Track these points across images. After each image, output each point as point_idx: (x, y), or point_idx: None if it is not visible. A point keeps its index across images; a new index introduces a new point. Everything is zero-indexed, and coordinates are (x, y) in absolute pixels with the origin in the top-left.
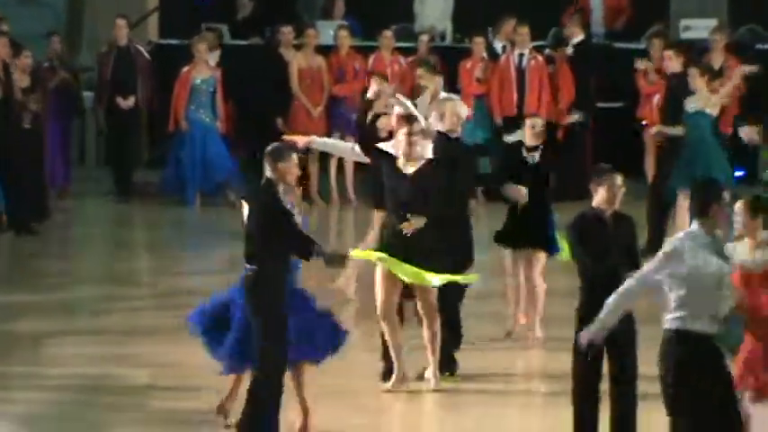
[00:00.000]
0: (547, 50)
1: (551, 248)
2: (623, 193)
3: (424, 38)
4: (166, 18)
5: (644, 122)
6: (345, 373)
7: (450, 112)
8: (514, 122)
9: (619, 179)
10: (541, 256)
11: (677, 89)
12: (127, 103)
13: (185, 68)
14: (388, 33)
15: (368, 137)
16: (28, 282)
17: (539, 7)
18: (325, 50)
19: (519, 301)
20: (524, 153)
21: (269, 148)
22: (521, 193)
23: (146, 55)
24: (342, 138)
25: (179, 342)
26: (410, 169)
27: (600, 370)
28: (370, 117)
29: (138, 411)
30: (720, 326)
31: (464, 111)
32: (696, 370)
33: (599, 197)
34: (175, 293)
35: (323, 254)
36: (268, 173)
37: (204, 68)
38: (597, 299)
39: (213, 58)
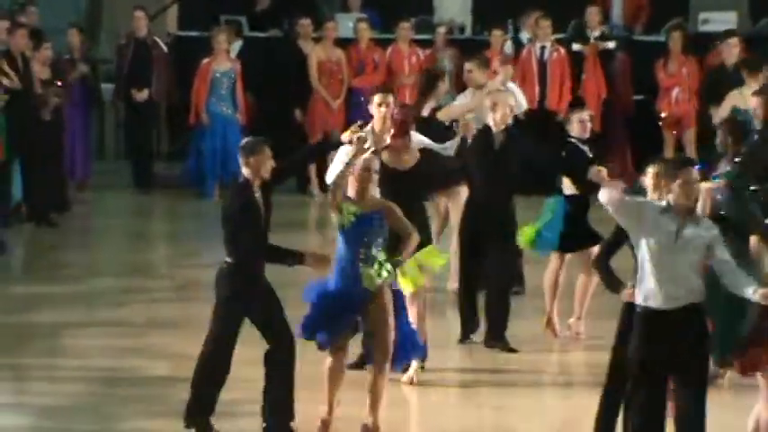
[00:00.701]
0: (576, 45)
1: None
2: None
3: (442, 30)
4: (185, 10)
5: (663, 114)
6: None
7: (501, 104)
8: (536, 115)
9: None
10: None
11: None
12: (141, 95)
13: (205, 60)
14: (405, 25)
15: None
16: (47, 273)
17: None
18: (344, 43)
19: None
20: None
21: (242, 142)
22: (606, 176)
23: (163, 47)
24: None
25: (197, 333)
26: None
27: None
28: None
29: (157, 403)
30: None
31: (518, 101)
32: None
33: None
34: (194, 285)
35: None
36: (243, 168)
37: (224, 60)
38: None
39: (234, 49)
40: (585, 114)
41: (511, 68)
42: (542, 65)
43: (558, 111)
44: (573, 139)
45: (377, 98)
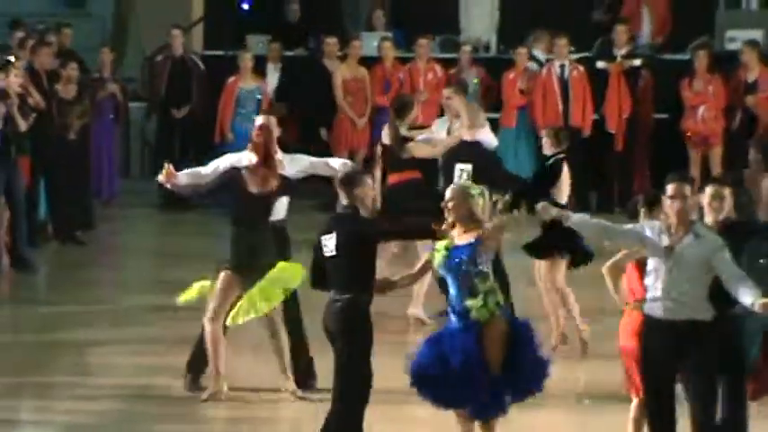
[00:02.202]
0: (601, 63)
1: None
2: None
3: (467, 48)
4: (211, 28)
5: (688, 133)
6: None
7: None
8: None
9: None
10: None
11: None
12: (181, 112)
13: (231, 79)
14: (422, 42)
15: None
16: (74, 291)
17: (583, 19)
18: (368, 62)
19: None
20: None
21: (341, 175)
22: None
23: (200, 65)
24: None
25: (226, 351)
26: None
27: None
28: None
29: (184, 422)
30: None
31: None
32: None
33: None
34: None
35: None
36: (344, 200)
37: (250, 79)
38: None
39: (275, 69)
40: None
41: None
42: (563, 83)
43: (583, 127)
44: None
45: None
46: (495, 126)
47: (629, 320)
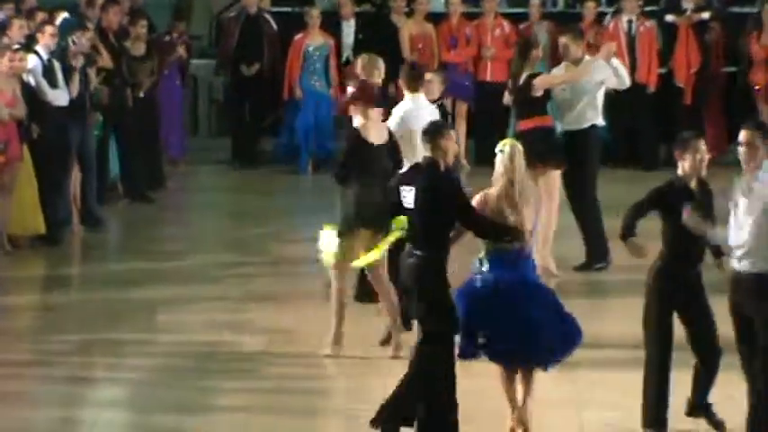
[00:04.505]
0: (669, 17)
1: None
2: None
3: (536, 2)
4: None
5: (757, 87)
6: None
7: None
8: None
9: (703, 146)
10: None
11: None
12: (251, 70)
13: (298, 36)
14: None
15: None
16: (143, 249)
17: None
18: (435, 18)
19: None
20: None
21: (427, 125)
22: None
23: (273, 24)
24: (453, 104)
25: (293, 309)
26: None
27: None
28: (523, 78)
29: (252, 378)
30: None
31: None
32: None
33: (685, 165)
34: (289, 260)
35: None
36: (427, 152)
37: (317, 36)
38: (679, 264)
39: (350, 26)
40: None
41: (614, 45)
42: (630, 38)
43: (649, 83)
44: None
45: None
46: None
47: None
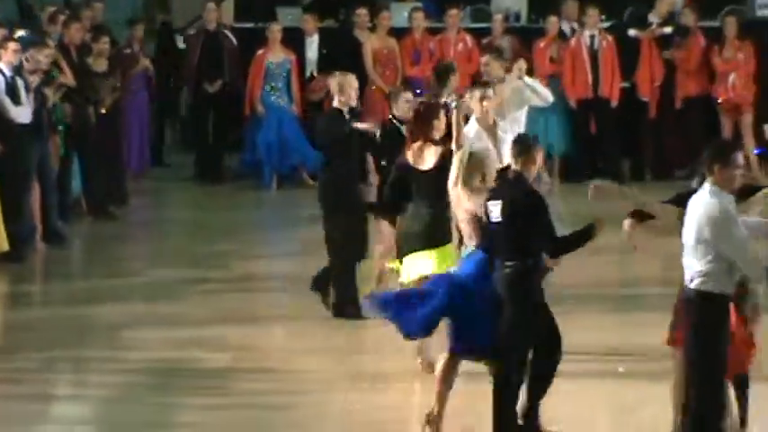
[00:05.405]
0: (632, 31)
1: None
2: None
3: (499, 17)
4: (241, 2)
5: (720, 100)
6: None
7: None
8: (588, 104)
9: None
10: None
11: None
12: (214, 87)
13: (260, 51)
14: (452, 12)
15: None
16: (107, 266)
17: None
18: (399, 33)
19: None
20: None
21: (517, 138)
22: None
23: (233, 39)
24: None
25: (258, 325)
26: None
27: None
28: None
29: (216, 395)
30: None
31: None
32: None
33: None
34: (253, 277)
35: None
36: (516, 165)
37: (279, 51)
38: None
39: (313, 41)
40: (410, 95)
41: (524, 62)
42: (593, 52)
43: (611, 97)
44: (395, 120)
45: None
46: None
47: None
